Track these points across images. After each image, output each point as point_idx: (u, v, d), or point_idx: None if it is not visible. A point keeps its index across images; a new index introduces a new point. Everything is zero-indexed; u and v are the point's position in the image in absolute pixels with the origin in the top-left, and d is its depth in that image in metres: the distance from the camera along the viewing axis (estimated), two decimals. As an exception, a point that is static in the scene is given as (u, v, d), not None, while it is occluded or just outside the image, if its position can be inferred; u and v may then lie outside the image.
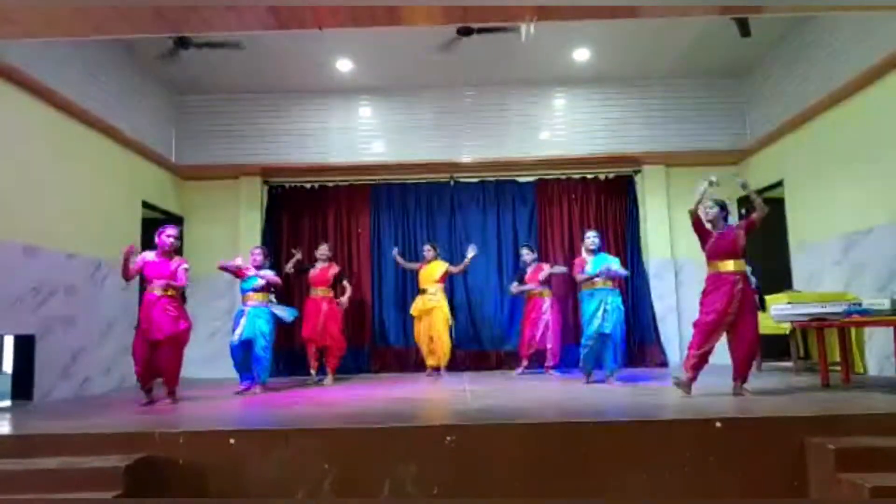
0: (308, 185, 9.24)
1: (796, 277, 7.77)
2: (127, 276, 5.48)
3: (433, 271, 7.84)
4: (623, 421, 3.94)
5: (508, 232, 9.06)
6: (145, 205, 8.08)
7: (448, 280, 8.11)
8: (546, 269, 7.62)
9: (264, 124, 9.02)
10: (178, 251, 5.76)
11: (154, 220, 8.29)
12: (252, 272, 6.56)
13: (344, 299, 7.45)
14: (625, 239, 8.90)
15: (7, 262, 5.67)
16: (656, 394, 5.39)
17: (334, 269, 7.49)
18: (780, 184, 8.01)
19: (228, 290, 8.38)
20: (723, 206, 5.24)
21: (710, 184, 5.20)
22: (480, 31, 6.95)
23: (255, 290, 6.49)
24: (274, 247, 8.84)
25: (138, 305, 5.73)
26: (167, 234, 5.61)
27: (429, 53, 7.78)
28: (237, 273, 6.54)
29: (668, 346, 8.55)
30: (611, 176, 9.17)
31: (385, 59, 8.24)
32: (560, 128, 9.05)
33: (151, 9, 4.27)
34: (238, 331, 6.29)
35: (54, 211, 6.33)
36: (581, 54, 8.25)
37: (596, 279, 6.24)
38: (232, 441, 3.70)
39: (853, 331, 6.30)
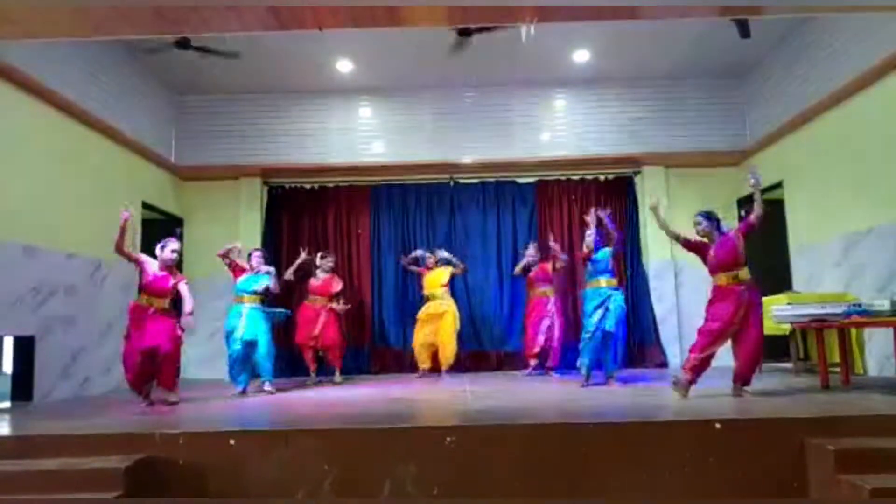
0: (308, 186, 9.23)
1: (796, 278, 7.77)
2: (121, 246, 5.35)
3: (439, 277, 7.82)
4: (623, 422, 3.94)
5: (508, 233, 9.06)
6: (145, 205, 8.07)
7: (450, 281, 8.09)
8: (553, 246, 7.47)
9: (264, 125, 9.03)
10: (178, 265, 5.69)
11: (154, 221, 8.32)
12: (253, 272, 6.51)
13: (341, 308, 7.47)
14: (625, 240, 8.89)
15: (7, 262, 5.67)
16: (656, 395, 5.38)
17: (338, 286, 7.47)
18: (779, 185, 8.01)
19: (228, 290, 8.34)
20: (710, 217, 5.16)
21: (656, 208, 5.39)
22: (480, 31, 6.95)
23: (254, 293, 6.44)
24: (274, 247, 8.85)
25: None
26: (171, 249, 5.55)
27: (429, 54, 7.79)
28: (234, 270, 6.50)
29: (667, 347, 8.54)
30: (610, 177, 9.17)
31: (385, 60, 8.25)
32: (560, 129, 9.06)
33: (151, 9, 4.27)
34: (240, 331, 6.23)
35: (54, 211, 6.33)
36: (581, 55, 8.25)
37: (600, 279, 6.24)
38: (232, 442, 3.70)
39: (853, 332, 6.30)
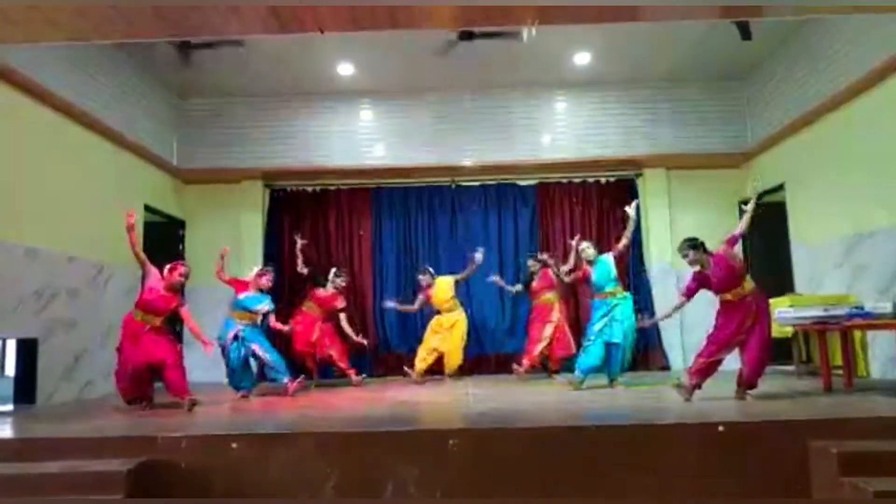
0: (310, 189, 9.23)
1: (798, 280, 7.76)
2: (135, 245, 5.48)
3: (444, 289, 7.72)
4: (625, 425, 3.93)
5: (509, 235, 9.05)
6: (147, 208, 8.08)
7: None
8: (551, 272, 7.50)
9: (266, 128, 9.03)
10: (182, 288, 5.67)
11: (156, 224, 8.32)
12: (255, 290, 6.49)
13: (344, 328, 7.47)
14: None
15: (9, 265, 5.68)
16: (658, 398, 5.38)
17: (341, 304, 7.42)
18: (781, 187, 8.01)
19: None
20: (694, 246, 5.08)
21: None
22: (482, 35, 6.96)
23: (252, 313, 6.42)
24: (275, 250, 8.86)
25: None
26: (179, 273, 5.56)
27: (430, 58, 7.79)
28: (236, 286, 6.51)
29: (669, 350, 8.53)
30: (612, 179, 9.16)
31: (386, 64, 8.26)
32: (561, 131, 9.06)
33: (152, 12, 4.28)
34: (236, 355, 6.23)
35: (56, 214, 6.34)
36: (582, 58, 8.26)
37: (605, 289, 6.25)
38: (234, 445, 3.70)
39: (856, 334, 6.29)
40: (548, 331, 7.29)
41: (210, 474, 3.64)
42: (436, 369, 7.72)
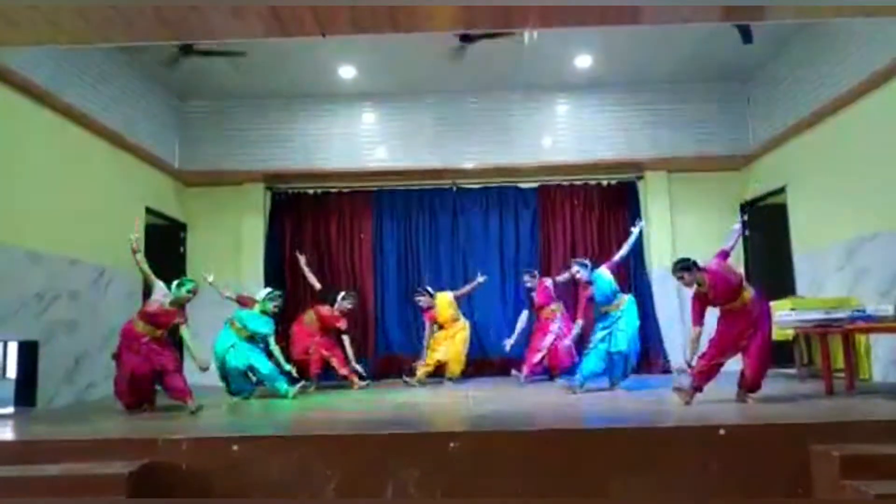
0: (311, 191, 9.23)
1: (799, 283, 7.75)
2: (141, 266, 5.54)
3: (444, 308, 7.69)
4: (626, 428, 3.94)
5: (511, 238, 9.06)
6: (148, 211, 8.09)
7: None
8: (549, 284, 7.53)
9: (268, 130, 9.04)
10: (185, 304, 5.67)
11: (157, 227, 8.32)
12: (258, 309, 6.53)
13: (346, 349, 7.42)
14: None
15: (11, 268, 5.68)
16: (659, 401, 5.36)
17: (342, 325, 7.35)
18: (783, 189, 8.00)
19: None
20: (687, 267, 5.02)
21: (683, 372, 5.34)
22: (483, 37, 6.96)
23: (253, 333, 6.43)
24: (277, 253, 8.86)
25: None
26: (188, 290, 5.57)
27: (431, 60, 7.80)
28: (241, 302, 6.53)
29: (671, 353, 8.51)
30: (613, 182, 9.16)
31: (388, 66, 8.27)
32: (562, 134, 9.06)
33: (155, 16, 4.29)
34: (237, 362, 6.26)
35: (58, 217, 6.35)
36: (583, 61, 8.26)
37: (610, 305, 6.26)
38: (235, 447, 3.70)
39: (858, 337, 6.28)
40: (548, 340, 7.28)
41: (211, 476, 3.64)
42: (437, 373, 7.71)
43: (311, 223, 9.11)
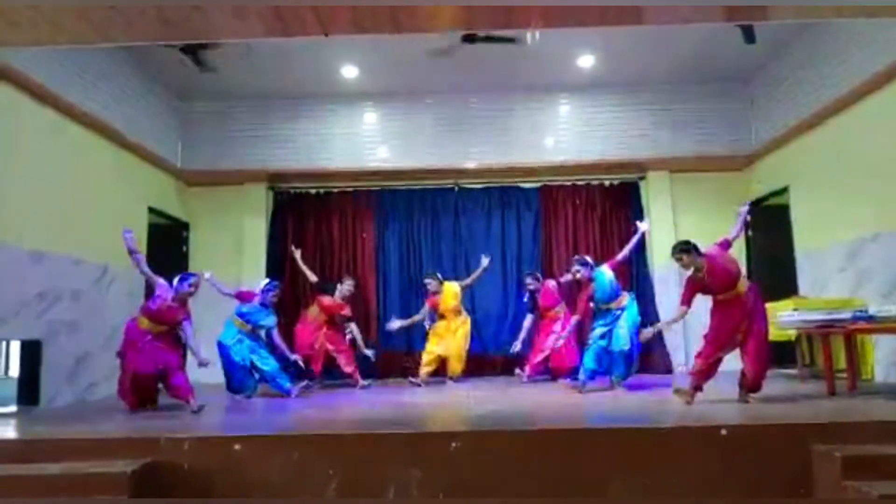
0: (313, 191, 9.24)
1: (802, 284, 7.74)
2: (139, 265, 5.52)
3: (449, 297, 7.69)
4: (628, 427, 3.93)
5: (513, 238, 9.05)
6: (151, 210, 8.10)
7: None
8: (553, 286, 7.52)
9: (270, 130, 9.06)
10: (187, 298, 5.68)
11: (159, 226, 8.34)
12: (259, 303, 6.51)
13: (355, 336, 7.45)
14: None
15: (13, 267, 5.69)
16: (661, 401, 5.36)
17: (347, 311, 7.42)
18: (785, 190, 8.00)
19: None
20: (688, 249, 5.00)
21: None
22: (485, 38, 6.96)
23: (256, 327, 6.44)
24: (279, 253, 8.87)
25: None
26: (190, 284, 5.58)
27: (433, 60, 7.80)
28: (241, 297, 6.53)
29: (672, 353, 8.51)
30: (615, 182, 9.16)
31: (390, 66, 8.27)
32: (565, 134, 9.06)
33: (157, 16, 4.29)
34: (240, 359, 6.26)
35: (60, 216, 6.36)
36: (586, 61, 8.26)
37: (610, 303, 6.27)
38: (237, 447, 3.71)
39: (860, 337, 6.27)
40: (551, 341, 7.27)
41: (213, 476, 3.65)
42: (438, 372, 7.72)
43: (313, 223, 9.12)
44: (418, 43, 7.38)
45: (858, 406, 4.76)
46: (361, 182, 9.16)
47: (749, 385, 4.95)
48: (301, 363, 6.68)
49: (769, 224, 8.42)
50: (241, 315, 6.46)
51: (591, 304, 6.47)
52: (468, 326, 7.76)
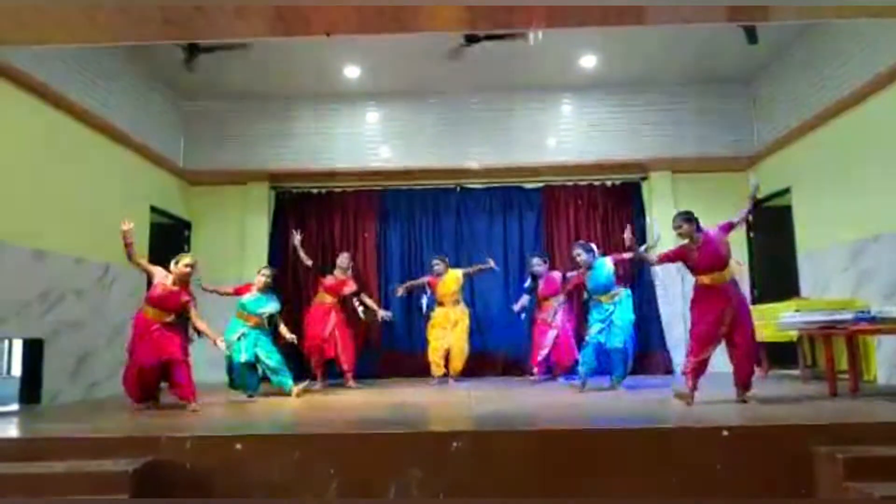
0: (315, 191, 9.26)
1: (803, 285, 7.73)
2: (132, 257, 5.46)
3: (451, 282, 7.68)
4: (629, 428, 3.93)
5: (515, 238, 9.06)
6: (153, 209, 8.12)
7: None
8: (558, 278, 7.51)
9: (272, 130, 9.07)
10: (188, 280, 5.63)
11: (161, 225, 8.35)
12: (258, 291, 6.49)
13: (361, 312, 7.41)
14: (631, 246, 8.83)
15: (16, 266, 5.71)
16: (662, 401, 5.36)
17: (351, 287, 7.44)
18: (787, 191, 7.99)
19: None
20: (690, 219, 5.04)
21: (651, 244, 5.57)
22: (487, 37, 6.96)
23: (259, 316, 6.42)
24: (281, 252, 8.88)
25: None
26: (184, 264, 5.54)
27: (436, 60, 7.81)
28: (239, 291, 6.52)
29: (674, 353, 8.49)
30: (617, 182, 9.16)
31: (392, 66, 8.28)
32: (567, 134, 9.06)
33: (161, 16, 4.30)
34: (242, 356, 6.20)
35: (62, 216, 6.37)
36: (588, 61, 8.26)
37: (602, 295, 6.25)
38: (238, 446, 3.71)
39: (862, 338, 6.26)
40: (550, 336, 7.27)
41: (214, 475, 3.64)
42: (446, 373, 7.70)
43: (315, 222, 9.12)
44: (420, 43, 7.39)
45: (860, 407, 4.75)
46: (363, 182, 9.17)
47: (738, 381, 4.94)
48: (294, 341, 6.54)
49: (771, 225, 8.41)
50: (242, 307, 6.44)
51: (585, 294, 6.46)
52: (467, 321, 7.72)
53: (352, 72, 8.42)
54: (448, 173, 9.04)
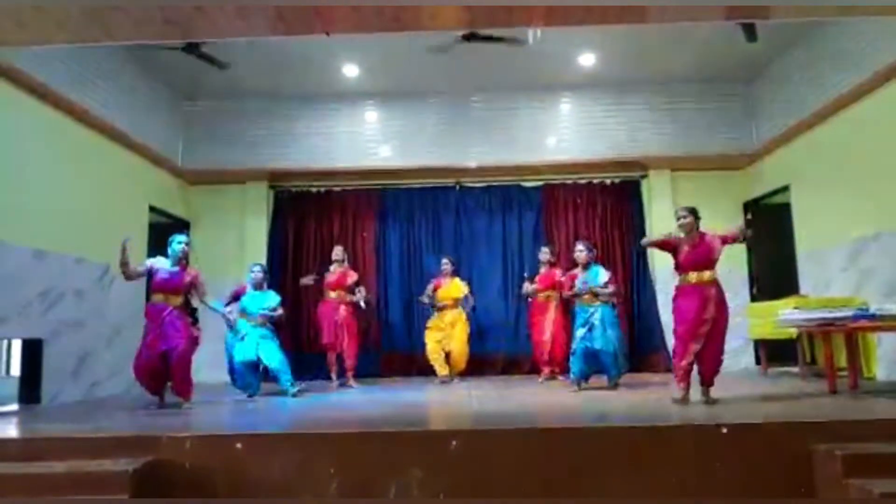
0: (314, 190, 9.26)
1: (803, 283, 7.74)
2: (127, 272, 5.42)
3: (454, 291, 7.71)
4: (628, 426, 3.93)
5: (514, 237, 9.06)
6: (152, 209, 8.12)
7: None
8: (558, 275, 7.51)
9: (271, 129, 9.06)
10: (186, 257, 5.66)
11: (161, 225, 8.34)
12: (253, 288, 6.51)
13: (361, 300, 7.42)
14: (631, 245, 8.86)
15: (16, 266, 5.70)
16: (661, 400, 5.36)
17: (352, 277, 7.48)
18: (786, 188, 8.00)
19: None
20: (695, 213, 5.07)
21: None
22: (487, 36, 6.95)
23: (262, 315, 6.42)
24: (280, 251, 8.88)
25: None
26: (178, 241, 5.57)
27: (435, 59, 7.79)
28: (234, 296, 6.54)
29: (673, 352, 8.49)
30: (617, 181, 9.17)
31: (392, 65, 8.27)
32: (566, 133, 9.06)
33: (161, 16, 4.30)
34: (245, 355, 6.20)
35: (62, 215, 6.37)
36: (587, 59, 8.25)
37: (584, 296, 6.25)
38: (239, 445, 3.71)
39: (862, 336, 6.26)
40: (547, 332, 7.27)
41: (214, 474, 3.64)
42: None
43: (314, 222, 9.13)
44: (420, 42, 7.38)
45: (860, 404, 4.76)
46: (363, 181, 9.16)
47: (708, 380, 4.92)
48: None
49: (770, 223, 8.41)
50: (243, 309, 6.45)
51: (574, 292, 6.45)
52: (465, 321, 7.72)
53: (351, 71, 8.42)
54: (447, 172, 9.05)
